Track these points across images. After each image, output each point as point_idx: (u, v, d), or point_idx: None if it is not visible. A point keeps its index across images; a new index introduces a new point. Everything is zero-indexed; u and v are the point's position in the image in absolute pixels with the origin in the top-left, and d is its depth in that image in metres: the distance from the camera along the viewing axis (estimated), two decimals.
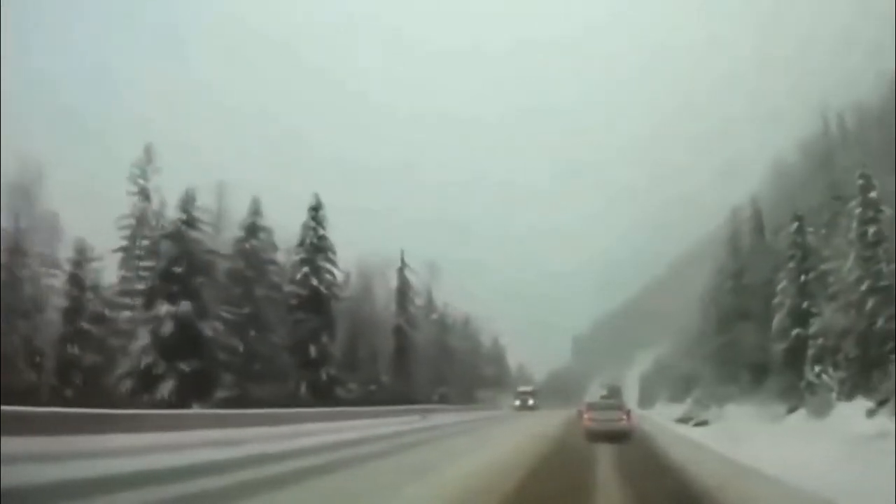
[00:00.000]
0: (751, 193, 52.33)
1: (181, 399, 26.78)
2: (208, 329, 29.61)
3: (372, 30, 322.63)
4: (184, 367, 28.05)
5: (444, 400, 58.14)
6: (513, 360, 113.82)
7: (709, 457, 18.55)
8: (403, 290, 52.86)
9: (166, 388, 27.33)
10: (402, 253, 53.56)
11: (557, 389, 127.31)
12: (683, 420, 44.07)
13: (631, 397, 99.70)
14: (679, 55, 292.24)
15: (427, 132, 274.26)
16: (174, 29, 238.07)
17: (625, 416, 23.04)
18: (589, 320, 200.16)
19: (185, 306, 28.83)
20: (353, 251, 47.15)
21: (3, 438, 11.08)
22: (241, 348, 31.80)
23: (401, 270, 53.17)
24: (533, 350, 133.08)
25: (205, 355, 29.14)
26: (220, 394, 28.69)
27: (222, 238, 34.66)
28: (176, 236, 30.51)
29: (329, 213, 41.58)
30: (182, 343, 28.47)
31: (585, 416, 22.97)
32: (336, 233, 41.88)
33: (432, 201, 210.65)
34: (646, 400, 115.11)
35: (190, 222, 30.93)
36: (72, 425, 15.38)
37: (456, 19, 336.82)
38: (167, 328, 28.44)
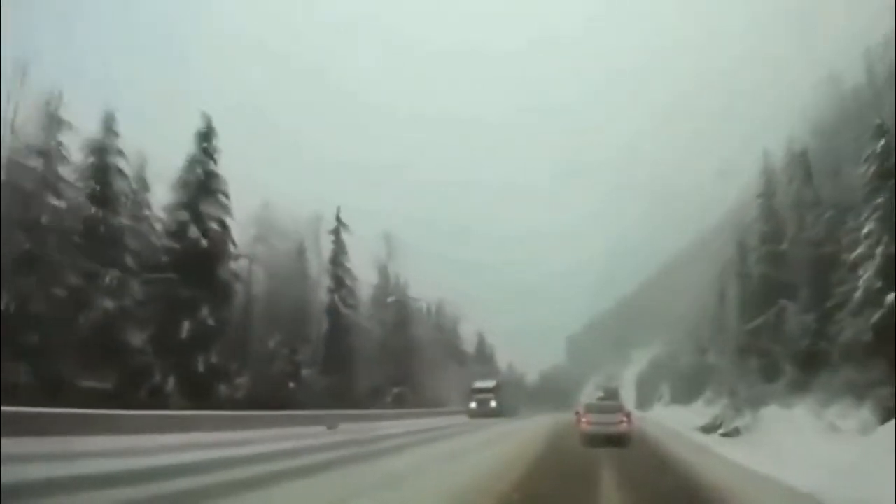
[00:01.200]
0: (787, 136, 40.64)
1: None
2: None
3: (372, 30, 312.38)
4: None
5: (399, 402, 46.19)
6: (503, 360, 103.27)
7: None
8: (339, 259, 39.99)
9: None
10: (339, 210, 40.71)
11: (551, 391, 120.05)
12: (709, 429, 32.20)
13: (628, 399, 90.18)
14: (679, 54, 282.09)
15: (427, 132, 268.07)
16: (173, 28, 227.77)
17: (625, 419, 21.92)
18: (585, 319, 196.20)
19: None
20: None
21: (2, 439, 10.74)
22: (8, 306, 19.15)
23: (336, 232, 40.06)
24: (529, 350, 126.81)
25: None
26: None
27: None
28: None
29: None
30: None
31: (583, 419, 22.06)
32: None
33: (432, 201, 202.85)
34: (644, 401, 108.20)
35: None
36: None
37: (456, 19, 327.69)
38: None
